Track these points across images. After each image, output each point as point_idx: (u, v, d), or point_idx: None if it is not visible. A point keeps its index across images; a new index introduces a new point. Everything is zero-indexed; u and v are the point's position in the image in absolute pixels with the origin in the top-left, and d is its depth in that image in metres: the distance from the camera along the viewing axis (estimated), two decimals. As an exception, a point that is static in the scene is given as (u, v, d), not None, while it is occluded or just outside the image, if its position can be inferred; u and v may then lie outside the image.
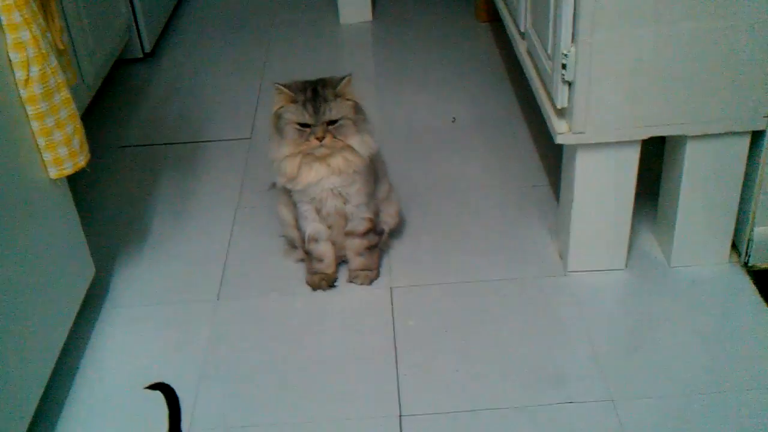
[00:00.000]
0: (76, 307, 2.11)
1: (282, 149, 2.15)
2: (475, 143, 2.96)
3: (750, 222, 2.24)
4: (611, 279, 2.28)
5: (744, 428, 1.81)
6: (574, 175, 2.16)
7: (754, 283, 2.21)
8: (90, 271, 2.23)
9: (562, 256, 2.34)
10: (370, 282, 2.33)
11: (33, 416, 1.81)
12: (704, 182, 2.16)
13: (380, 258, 2.39)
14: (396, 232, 2.48)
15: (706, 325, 2.11)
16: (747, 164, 2.14)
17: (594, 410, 1.88)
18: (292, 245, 2.42)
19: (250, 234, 2.57)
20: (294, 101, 2.08)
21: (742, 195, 2.20)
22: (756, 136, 2.11)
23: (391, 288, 2.31)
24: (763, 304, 2.14)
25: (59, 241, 2.06)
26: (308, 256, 2.33)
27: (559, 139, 2.09)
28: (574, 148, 2.12)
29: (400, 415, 1.90)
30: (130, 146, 3.11)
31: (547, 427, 1.84)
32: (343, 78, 2.11)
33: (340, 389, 1.99)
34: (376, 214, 2.32)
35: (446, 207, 2.64)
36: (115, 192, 2.82)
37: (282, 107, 2.11)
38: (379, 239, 2.37)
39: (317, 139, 2.08)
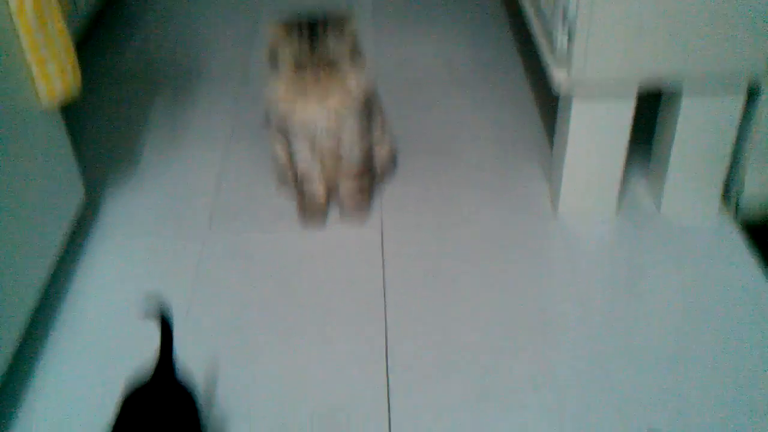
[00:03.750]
0: (65, 232, 2.11)
1: (276, 85, 2.12)
2: (471, 87, 2.94)
3: (741, 175, 2.25)
4: (601, 225, 2.29)
5: (726, 377, 1.83)
6: (569, 123, 2.15)
7: (742, 235, 2.23)
8: (79, 196, 2.22)
9: (554, 201, 2.35)
10: (361, 222, 2.33)
11: (19, 341, 1.82)
12: (697, 137, 2.16)
13: (372, 197, 2.39)
14: (389, 173, 2.48)
15: (691, 273, 2.13)
16: (741, 120, 2.14)
17: (579, 357, 1.90)
18: (284, 182, 2.41)
19: (242, 168, 2.56)
20: (290, 37, 2.05)
21: (734, 149, 2.20)
22: (752, 94, 2.10)
23: (382, 228, 2.32)
24: (750, 255, 2.16)
25: (50, 166, 2.05)
26: (300, 194, 2.33)
27: (556, 87, 2.08)
28: (571, 96, 2.11)
29: (388, 355, 1.92)
30: (123, 75, 3.07)
31: (533, 371, 1.86)
32: (342, 15, 2.07)
33: (328, 325, 2.01)
34: (370, 154, 2.31)
35: (439, 149, 2.63)
36: (107, 120, 2.80)
37: (277, 43, 2.08)
38: (372, 180, 2.37)
39: (312, 77, 2.05)
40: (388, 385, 1.83)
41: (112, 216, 2.38)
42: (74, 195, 2.20)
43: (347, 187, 2.29)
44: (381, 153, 2.38)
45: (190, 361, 1.87)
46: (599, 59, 2.00)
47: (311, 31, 2.04)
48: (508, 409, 1.77)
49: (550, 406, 1.77)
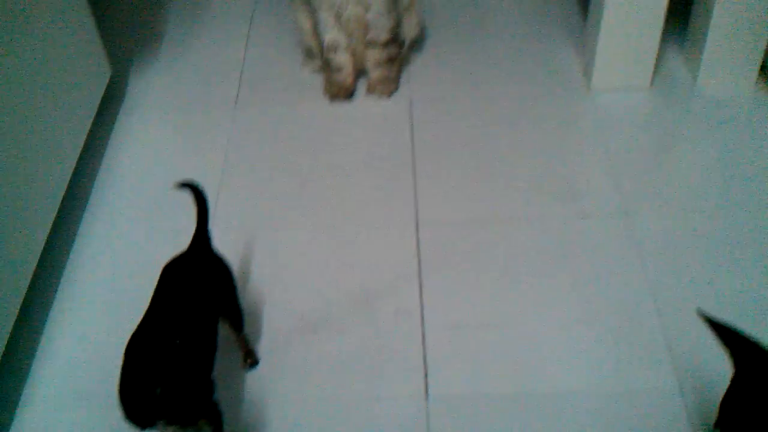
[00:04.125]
0: (94, 109, 2.10)
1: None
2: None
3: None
4: (635, 97, 2.24)
5: (756, 244, 1.83)
6: (607, -11, 2.08)
7: (781, 107, 2.18)
8: (106, 73, 2.20)
9: (587, 73, 2.29)
10: (390, 94, 2.30)
11: (56, 215, 1.85)
12: (738, 6, 2.08)
13: (400, 70, 2.35)
14: (417, 43, 2.42)
15: (726, 145, 2.09)
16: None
17: (609, 224, 1.90)
18: (310, 54, 2.37)
19: (267, 41, 2.51)
20: None
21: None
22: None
23: (410, 100, 2.28)
24: (788, 127, 2.12)
25: (75, 42, 2.02)
26: (326, 66, 2.29)
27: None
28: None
29: (417, 223, 1.93)
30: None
31: (559, 238, 1.87)
32: None
33: (358, 197, 2.01)
34: (398, 23, 2.25)
35: (469, 19, 2.56)
36: (128, -5, 2.74)
37: None
38: (400, 50, 2.32)
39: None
40: (419, 258, 1.84)
41: (140, 93, 2.36)
42: (101, 72, 2.18)
43: (374, 57, 2.24)
44: (409, 22, 2.32)
45: (224, 233, 1.90)
46: None
47: None
48: (537, 281, 1.79)
49: (580, 278, 1.79)
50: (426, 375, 1.61)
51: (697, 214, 1.91)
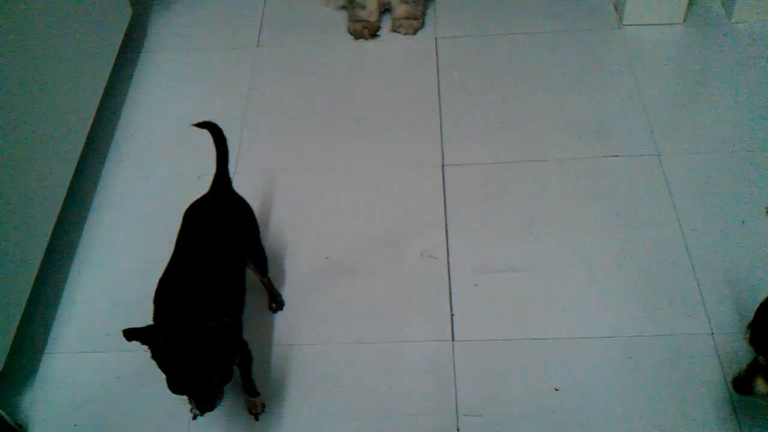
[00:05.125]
0: (115, 50, 2.07)
1: None
2: None
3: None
4: (667, 33, 2.17)
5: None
6: None
7: (819, 41, 2.10)
8: (127, 13, 2.16)
9: (618, 8, 2.22)
10: (415, 31, 2.24)
11: (80, 156, 1.84)
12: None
13: (426, 7, 2.29)
14: (443, -21, 2.36)
15: (759, 82, 2.03)
16: None
17: (639, 163, 1.86)
18: (334, -9, 2.32)
19: (290, -21, 2.46)
20: None
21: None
22: None
23: (436, 38, 2.23)
24: (826, 62, 2.05)
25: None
26: (350, 3, 2.23)
27: None
28: None
29: (443, 165, 1.90)
30: None
31: (588, 179, 1.84)
32: None
33: (382, 138, 1.98)
34: (423, -43, 2.19)
35: (496, -46, 2.48)
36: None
37: None
38: (425, -14, 2.26)
39: None
40: (445, 201, 1.82)
41: (162, 34, 2.32)
42: (121, 13, 2.14)
43: (399, -7, 2.19)
44: (435, -42, 2.26)
45: (247, 175, 1.89)
46: None
47: None
48: (565, 223, 1.76)
49: (610, 219, 1.76)
50: (452, 318, 1.61)
51: (728, 153, 1.86)
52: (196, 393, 1.18)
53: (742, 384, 1.24)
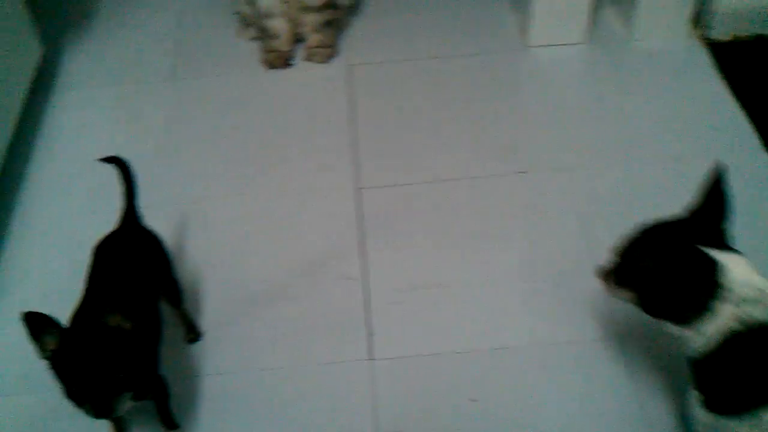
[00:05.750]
0: (26, 88, 2.06)
1: None
2: None
3: (710, -5, 2.20)
4: (572, 53, 2.25)
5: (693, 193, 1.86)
6: (537, -57, 2.08)
7: (712, 56, 2.20)
8: (37, 51, 2.15)
9: (524, 30, 2.30)
10: (328, 59, 2.28)
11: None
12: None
13: (338, 35, 2.33)
14: (354, 7, 2.40)
15: (661, 97, 2.11)
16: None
17: (546, 179, 1.91)
18: (246, 22, 2.33)
19: (202, 11, 2.47)
20: None
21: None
22: None
23: (350, 65, 2.27)
24: (719, 76, 2.15)
25: (2, 22, 1.97)
26: (263, 34, 2.26)
27: None
28: None
29: (359, 188, 1.93)
30: None
31: (500, 196, 1.88)
32: None
33: (298, 165, 2.00)
34: (333, -13, 2.23)
35: (406, -17, 2.54)
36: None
37: None
38: (337, 14, 2.29)
39: None
40: (361, 223, 1.85)
41: (74, 67, 2.31)
42: (31, 50, 2.12)
43: (310, 21, 2.22)
44: (345, -14, 2.30)
45: (162, 208, 1.88)
46: None
47: None
48: (478, 239, 1.80)
49: (520, 234, 1.81)
50: (371, 338, 1.62)
51: (634, 167, 1.93)
52: (93, 398, 1.17)
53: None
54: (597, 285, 1.48)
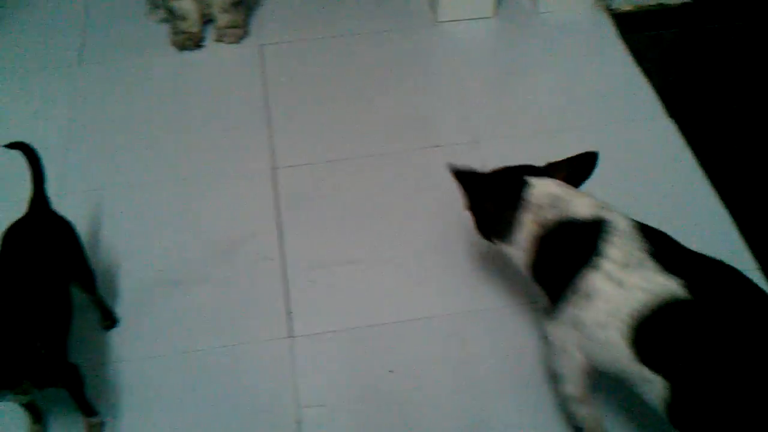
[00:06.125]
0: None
1: None
2: None
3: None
4: (480, 27, 2.29)
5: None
6: None
7: (616, 26, 2.26)
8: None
9: (433, 7, 2.32)
10: (239, 40, 2.26)
11: None
12: None
13: (248, 15, 2.31)
14: (264, -13, 2.39)
15: (569, 67, 2.17)
16: None
17: (459, 152, 1.94)
18: (155, 4, 2.30)
19: (109, -6, 2.43)
20: None
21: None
22: None
23: (261, 45, 2.26)
24: (623, 45, 2.21)
25: None
26: (171, 15, 2.23)
27: None
28: None
29: (274, 168, 1.93)
30: None
31: (415, 169, 1.91)
32: None
33: (212, 147, 1.99)
34: (240, -33, 2.21)
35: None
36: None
37: None
38: (246, -6, 2.28)
39: None
40: (277, 202, 1.85)
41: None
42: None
43: (219, 2, 2.20)
44: (253, -34, 2.29)
45: (73, 194, 1.85)
46: None
47: None
48: (393, 213, 1.83)
49: (433, 207, 1.84)
50: (289, 315, 1.64)
51: (540, 137, 1.98)
52: None
53: None
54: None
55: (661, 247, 1.23)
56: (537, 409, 1.48)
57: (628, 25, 2.27)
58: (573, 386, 1.34)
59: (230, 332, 1.62)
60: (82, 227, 1.56)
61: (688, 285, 1.15)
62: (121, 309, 1.65)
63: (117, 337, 1.61)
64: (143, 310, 1.65)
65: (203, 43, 2.26)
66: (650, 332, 1.17)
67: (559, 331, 1.30)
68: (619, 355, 1.20)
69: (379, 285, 1.69)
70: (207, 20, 2.28)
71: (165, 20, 2.28)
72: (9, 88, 2.16)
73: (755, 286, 1.18)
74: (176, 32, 2.24)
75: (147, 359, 1.58)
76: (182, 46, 2.23)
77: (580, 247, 1.27)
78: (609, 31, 2.26)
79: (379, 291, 1.68)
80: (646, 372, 1.17)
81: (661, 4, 2.33)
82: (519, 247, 1.37)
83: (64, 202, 1.53)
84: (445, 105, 2.08)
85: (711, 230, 1.75)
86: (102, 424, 1.47)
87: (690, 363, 1.13)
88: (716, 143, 1.96)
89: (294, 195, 1.87)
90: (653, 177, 1.86)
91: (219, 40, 2.26)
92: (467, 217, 1.50)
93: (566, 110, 2.05)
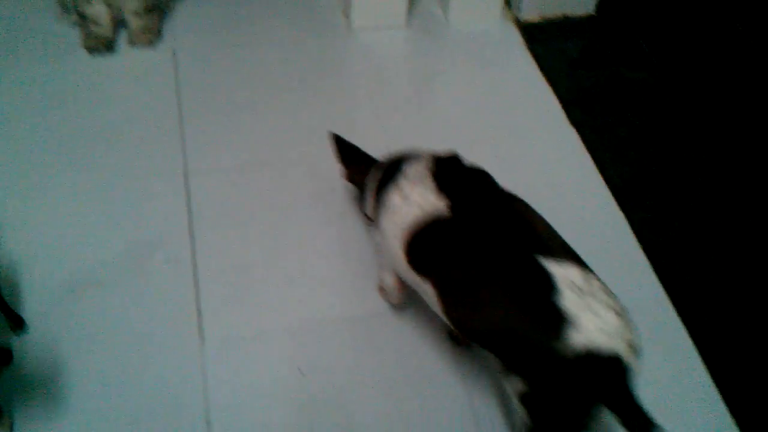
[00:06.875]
0: None
1: None
2: None
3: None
4: (394, 36, 2.34)
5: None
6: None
7: (523, 36, 2.35)
8: None
9: (348, 16, 2.36)
10: (151, 44, 2.26)
11: None
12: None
13: (162, 19, 2.31)
14: (178, -8, 2.39)
15: (477, 77, 2.24)
16: None
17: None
18: (65, 7, 2.27)
19: (18, -4, 2.39)
20: None
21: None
22: None
23: (174, 50, 2.26)
24: (529, 54, 2.30)
25: None
26: (83, 19, 2.21)
27: None
28: None
29: (186, 173, 1.93)
30: None
31: (325, 176, 1.92)
32: None
33: (123, 152, 1.98)
34: (153, -29, 2.21)
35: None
36: None
37: None
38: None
39: None
40: (189, 206, 1.86)
41: None
42: None
43: (132, 6, 2.19)
44: (166, -29, 2.29)
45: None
46: None
47: None
48: (302, 218, 1.86)
49: (341, 212, 1.87)
50: (200, 318, 1.65)
51: (451, 144, 2.00)
52: None
53: None
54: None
55: (444, 170, 1.43)
56: (440, 407, 1.54)
57: (534, 35, 2.35)
58: (388, 277, 1.57)
59: (140, 338, 1.62)
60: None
61: (452, 206, 1.36)
62: (29, 315, 1.63)
63: (26, 344, 1.59)
64: (53, 316, 1.63)
65: (116, 47, 2.25)
66: (418, 244, 1.38)
67: (376, 237, 1.52)
68: (401, 263, 1.42)
69: (288, 289, 1.71)
70: (120, 24, 2.26)
71: (76, 23, 2.26)
72: None
73: (518, 213, 1.37)
74: (88, 36, 2.22)
75: (57, 365, 1.56)
76: (94, 50, 2.21)
77: (392, 170, 1.49)
78: (517, 41, 2.34)
79: (287, 294, 1.70)
80: (418, 278, 1.38)
81: (566, 16, 2.42)
82: (383, 233, 1.49)
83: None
84: (357, 113, 2.12)
85: (611, 235, 1.84)
86: (10, 426, 1.45)
87: (443, 266, 1.35)
88: (614, 150, 2.05)
89: (206, 199, 1.88)
90: (555, 181, 1.95)
91: (131, 43, 2.25)
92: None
93: (475, 118, 2.12)
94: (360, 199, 1.69)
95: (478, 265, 1.29)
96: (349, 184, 1.78)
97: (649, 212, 1.90)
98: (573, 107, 2.13)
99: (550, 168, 2.00)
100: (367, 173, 1.63)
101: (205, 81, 2.18)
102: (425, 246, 1.37)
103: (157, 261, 1.75)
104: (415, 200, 1.39)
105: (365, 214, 1.66)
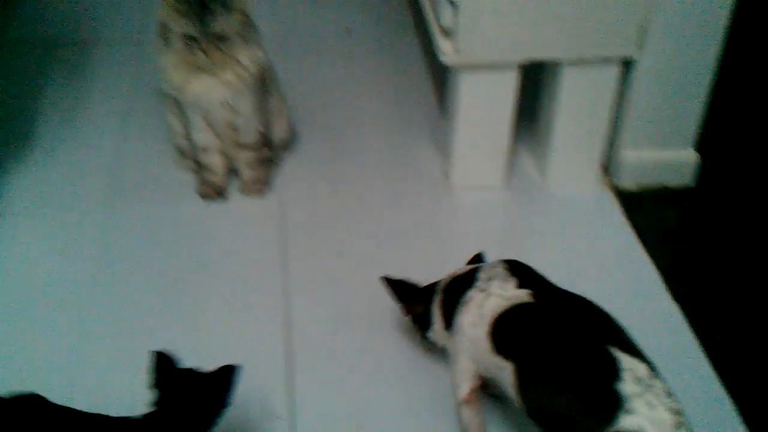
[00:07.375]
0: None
1: (169, 58, 2.13)
2: (366, 57, 2.99)
3: (619, 146, 2.39)
4: (491, 197, 2.40)
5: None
6: (458, 95, 2.25)
7: (621, 204, 2.38)
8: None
9: (447, 173, 2.44)
10: (262, 194, 2.37)
11: None
12: (577, 108, 2.29)
13: (271, 171, 2.43)
14: (288, 145, 2.51)
15: (572, 240, 2.27)
16: (618, 91, 2.26)
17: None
18: (183, 154, 2.42)
19: (140, 141, 2.54)
20: (180, 11, 2.04)
21: (613, 122, 2.34)
22: (626, 64, 2.23)
23: (281, 201, 2.36)
24: (627, 223, 2.31)
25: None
26: (198, 166, 2.35)
27: (443, 59, 2.16)
28: (459, 68, 2.20)
29: (290, 324, 1.98)
30: (11, 42, 2.98)
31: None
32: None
33: (230, 299, 2.06)
34: (267, 126, 2.34)
35: (336, 121, 2.68)
36: (-3, 92, 2.73)
37: (167, 17, 2.07)
38: (270, 153, 2.40)
39: (203, 51, 2.07)
40: (290, 356, 1.90)
41: (9, 199, 2.31)
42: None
43: (245, 158, 2.32)
44: (279, 125, 2.41)
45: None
46: (482, 35, 2.10)
47: (201, 4, 2.03)
48: (404, 382, 1.87)
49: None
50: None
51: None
52: None
53: None
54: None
55: (521, 273, 1.62)
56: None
57: (632, 204, 2.38)
58: (463, 387, 1.62)
59: None
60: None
61: (534, 294, 1.54)
62: None
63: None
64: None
65: (227, 195, 2.36)
66: (502, 328, 1.52)
67: (452, 341, 1.65)
68: (483, 347, 1.53)
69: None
70: (232, 172, 2.39)
71: (193, 171, 2.39)
72: (42, 230, 2.24)
73: (597, 308, 1.53)
74: (202, 183, 2.34)
75: None
76: (207, 196, 2.34)
77: (463, 281, 1.68)
78: (614, 209, 2.37)
79: None
80: (499, 359, 1.50)
81: (664, 186, 2.45)
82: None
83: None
84: (451, 266, 2.15)
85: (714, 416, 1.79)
86: None
87: (528, 348, 1.48)
88: (721, 328, 2.01)
89: (308, 352, 1.92)
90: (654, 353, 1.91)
91: (243, 192, 2.37)
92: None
93: (570, 282, 2.11)
94: (416, 329, 1.83)
95: (556, 347, 1.44)
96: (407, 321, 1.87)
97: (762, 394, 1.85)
98: (674, 280, 2.12)
99: (649, 343, 1.97)
100: (427, 299, 1.76)
101: (310, 230, 2.27)
102: (508, 328, 1.52)
103: (253, 409, 1.77)
104: (498, 293, 1.57)
105: (424, 338, 1.81)
